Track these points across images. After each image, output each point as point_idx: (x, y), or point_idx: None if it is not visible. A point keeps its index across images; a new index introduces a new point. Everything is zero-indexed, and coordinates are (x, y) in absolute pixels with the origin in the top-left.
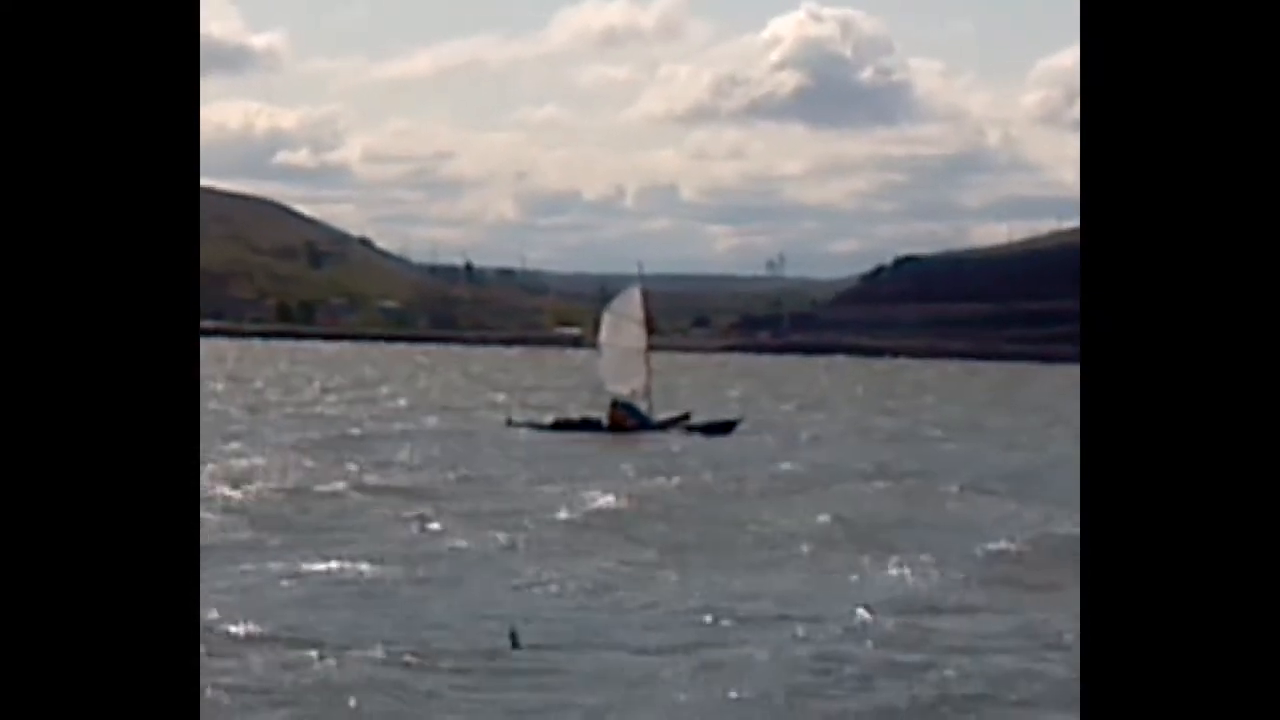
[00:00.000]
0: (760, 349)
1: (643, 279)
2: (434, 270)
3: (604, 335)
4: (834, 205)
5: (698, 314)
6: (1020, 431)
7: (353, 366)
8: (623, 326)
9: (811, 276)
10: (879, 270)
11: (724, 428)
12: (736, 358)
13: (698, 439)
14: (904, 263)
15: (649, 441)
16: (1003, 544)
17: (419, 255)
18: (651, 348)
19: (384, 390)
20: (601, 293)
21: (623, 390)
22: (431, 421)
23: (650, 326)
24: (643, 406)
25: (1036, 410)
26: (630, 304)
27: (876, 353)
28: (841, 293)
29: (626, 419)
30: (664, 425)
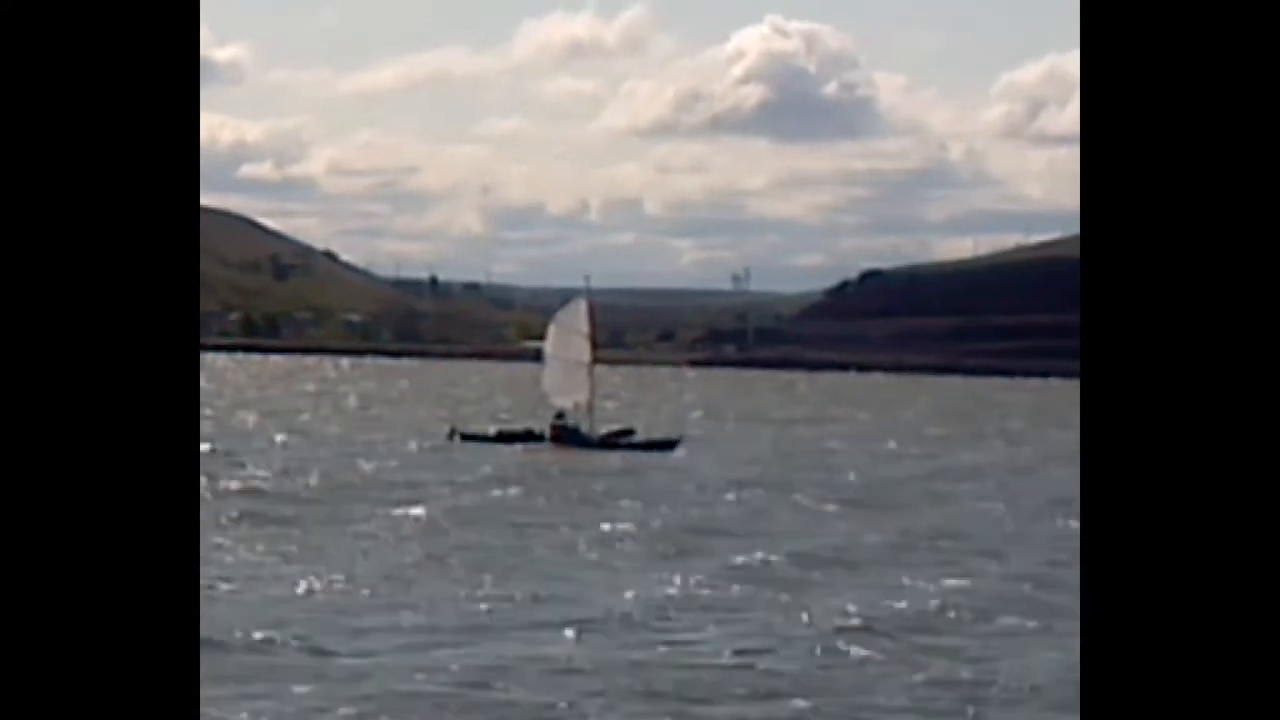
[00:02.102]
0: (725, 363)
1: (609, 293)
2: (399, 284)
3: (549, 347)
4: (797, 219)
5: (663, 328)
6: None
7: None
8: (567, 339)
9: (776, 290)
10: (844, 284)
11: (665, 445)
12: (701, 372)
13: (637, 455)
14: (869, 277)
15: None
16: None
17: (384, 269)
18: (612, 361)
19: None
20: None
21: (566, 403)
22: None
23: (595, 340)
24: (584, 421)
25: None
26: (576, 316)
27: (841, 367)
28: (806, 307)
29: (565, 434)
30: (603, 442)
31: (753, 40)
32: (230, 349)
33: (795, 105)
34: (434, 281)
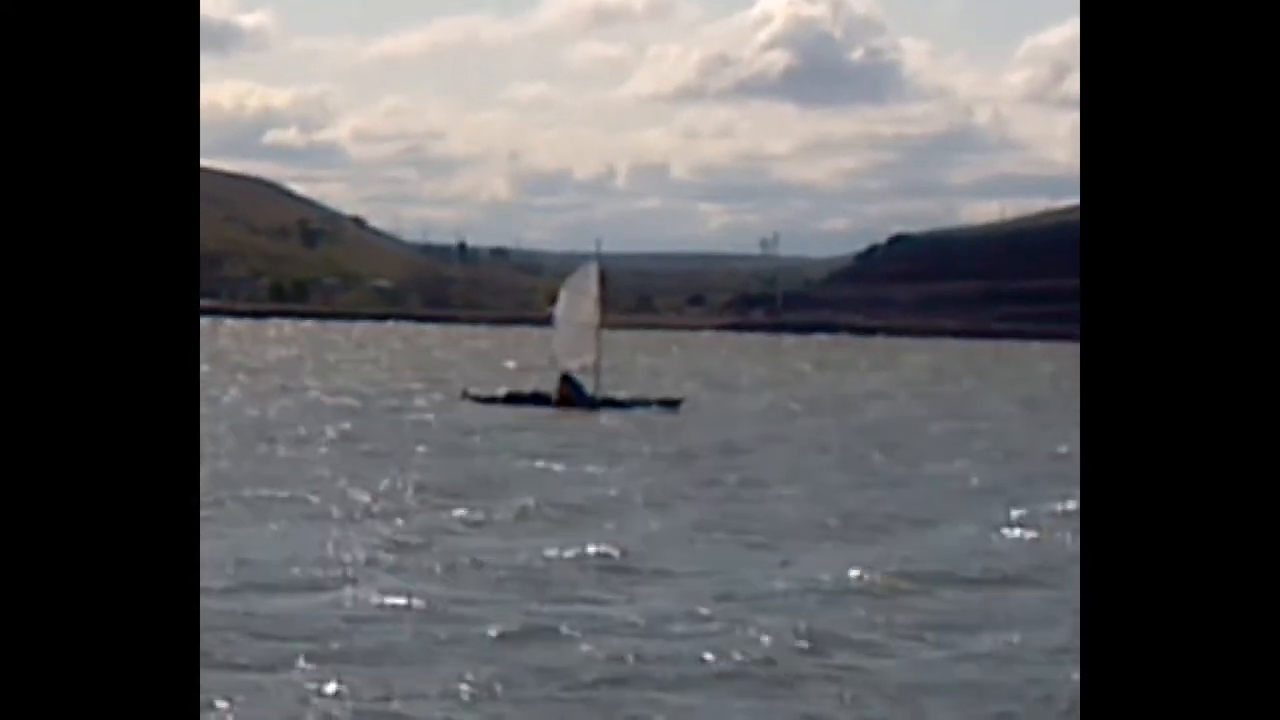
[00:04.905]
0: (755, 327)
1: (637, 258)
2: (427, 249)
3: (559, 310)
4: (824, 184)
5: (692, 292)
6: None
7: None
8: (577, 302)
9: (804, 255)
10: (873, 249)
11: (668, 405)
12: (731, 336)
13: (637, 415)
14: (897, 241)
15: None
16: None
17: (411, 234)
18: (641, 325)
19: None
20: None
21: (573, 365)
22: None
23: (604, 303)
24: (590, 382)
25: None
26: (587, 280)
27: (869, 331)
28: (835, 271)
29: (572, 395)
30: (609, 403)
31: (779, 5)
32: (260, 315)
33: (821, 70)
34: (462, 247)
